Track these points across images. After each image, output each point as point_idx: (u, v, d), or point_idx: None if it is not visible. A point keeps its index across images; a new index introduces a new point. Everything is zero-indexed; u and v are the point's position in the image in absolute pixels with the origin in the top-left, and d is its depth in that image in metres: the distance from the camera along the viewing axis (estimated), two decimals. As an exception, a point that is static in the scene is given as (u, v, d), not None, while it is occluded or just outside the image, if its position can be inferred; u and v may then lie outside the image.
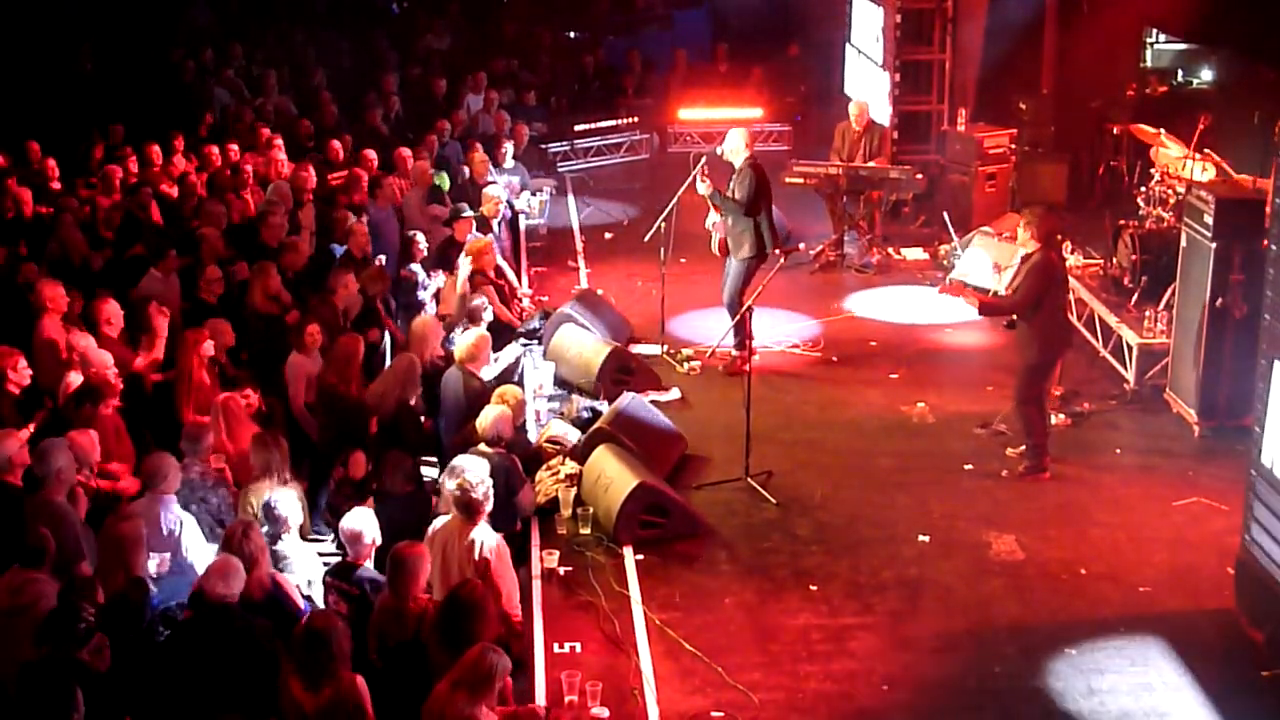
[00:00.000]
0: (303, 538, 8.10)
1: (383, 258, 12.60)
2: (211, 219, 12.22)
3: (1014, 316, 10.07)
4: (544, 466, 9.83)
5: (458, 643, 6.55)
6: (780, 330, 12.86)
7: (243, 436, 9.00)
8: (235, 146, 14.81)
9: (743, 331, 11.70)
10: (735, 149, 12.06)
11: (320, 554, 7.89)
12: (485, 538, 7.69)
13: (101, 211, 12.69)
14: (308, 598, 7.46)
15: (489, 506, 7.81)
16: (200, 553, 7.76)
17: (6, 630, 6.89)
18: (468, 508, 7.74)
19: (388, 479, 8.63)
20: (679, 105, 19.50)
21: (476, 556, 7.58)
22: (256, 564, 7.07)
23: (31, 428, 8.70)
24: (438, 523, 7.96)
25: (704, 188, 12.02)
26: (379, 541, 7.54)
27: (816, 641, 8.23)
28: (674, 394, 11.56)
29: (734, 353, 12.00)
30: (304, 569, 7.64)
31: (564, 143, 18.76)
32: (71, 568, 7.35)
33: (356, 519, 7.50)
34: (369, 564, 7.54)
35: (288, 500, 7.74)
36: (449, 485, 7.96)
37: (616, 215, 16.80)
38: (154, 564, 7.49)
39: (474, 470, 7.91)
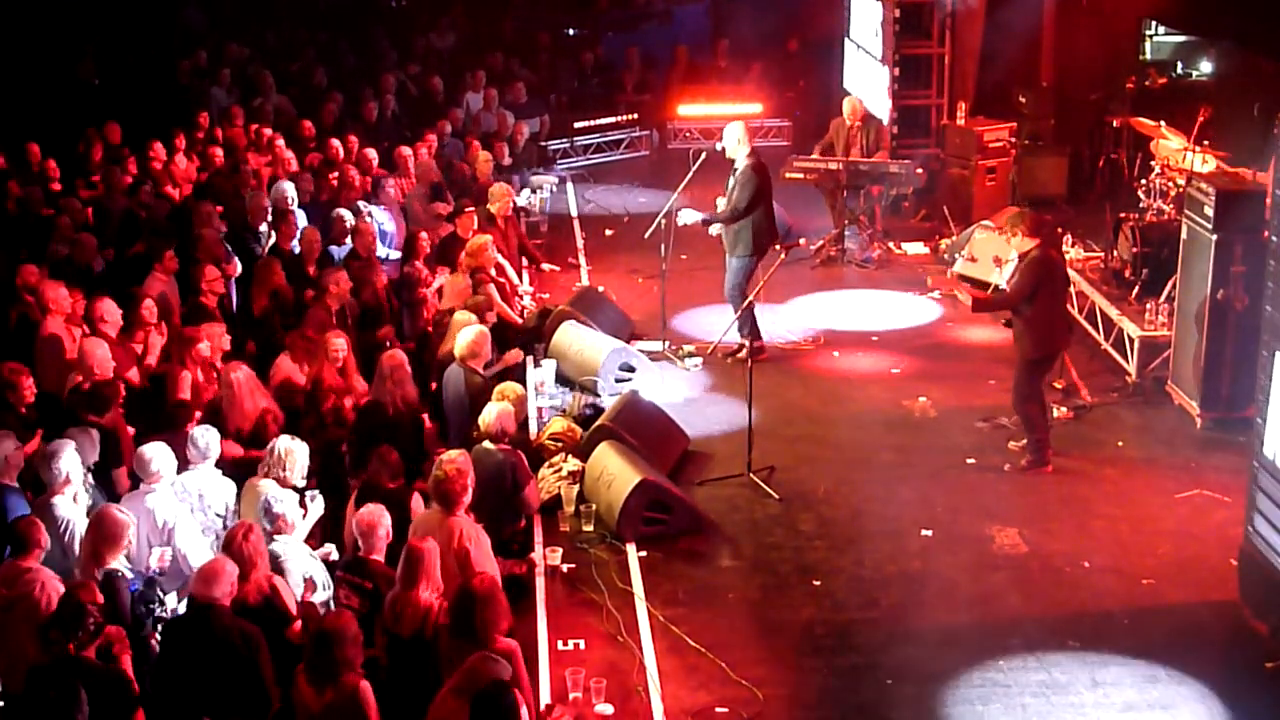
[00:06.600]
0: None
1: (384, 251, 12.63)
2: (202, 220, 12.22)
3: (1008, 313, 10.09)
4: (546, 464, 9.85)
5: (470, 633, 6.57)
6: (782, 325, 12.87)
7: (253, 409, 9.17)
8: (219, 150, 14.83)
9: (749, 326, 11.77)
10: (735, 143, 12.03)
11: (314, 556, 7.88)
12: (464, 527, 7.71)
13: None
14: (301, 602, 7.43)
15: (468, 497, 7.83)
16: (195, 547, 7.78)
17: (4, 623, 6.89)
18: (446, 498, 7.76)
19: (373, 472, 8.57)
20: (679, 101, 19.50)
21: (455, 545, 7.57)
22: (254, 566, 7.05)
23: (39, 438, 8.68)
24: (420, 515, 8.00)
25: (688, 219, 12.13)
26: (391, 536, 7.55)
27: (820, 636, 8.24)
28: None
29: (744, 342, 12.01)
30: (299, 568, 7.60)
31: (564, 140, 18.76)
32: (74, 571, 7.36)
33: (371, 513, 7.50)
34: (381, 558, 7.55)
35: (287, 501, 7.73)
36: (432, 480, 7.96)
37: (616, 210, 16.82)
38: (155, 558, 7.49)
39: (453, 462, 7.91)
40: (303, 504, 7.92)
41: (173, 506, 7.85)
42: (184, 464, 8.20)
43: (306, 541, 7.90)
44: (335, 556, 7.93)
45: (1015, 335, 10.16)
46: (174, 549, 7.70)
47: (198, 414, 9.00)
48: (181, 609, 7.24)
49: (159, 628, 7.08)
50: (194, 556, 7.67)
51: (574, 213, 16.84)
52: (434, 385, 10.45)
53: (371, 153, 15.01)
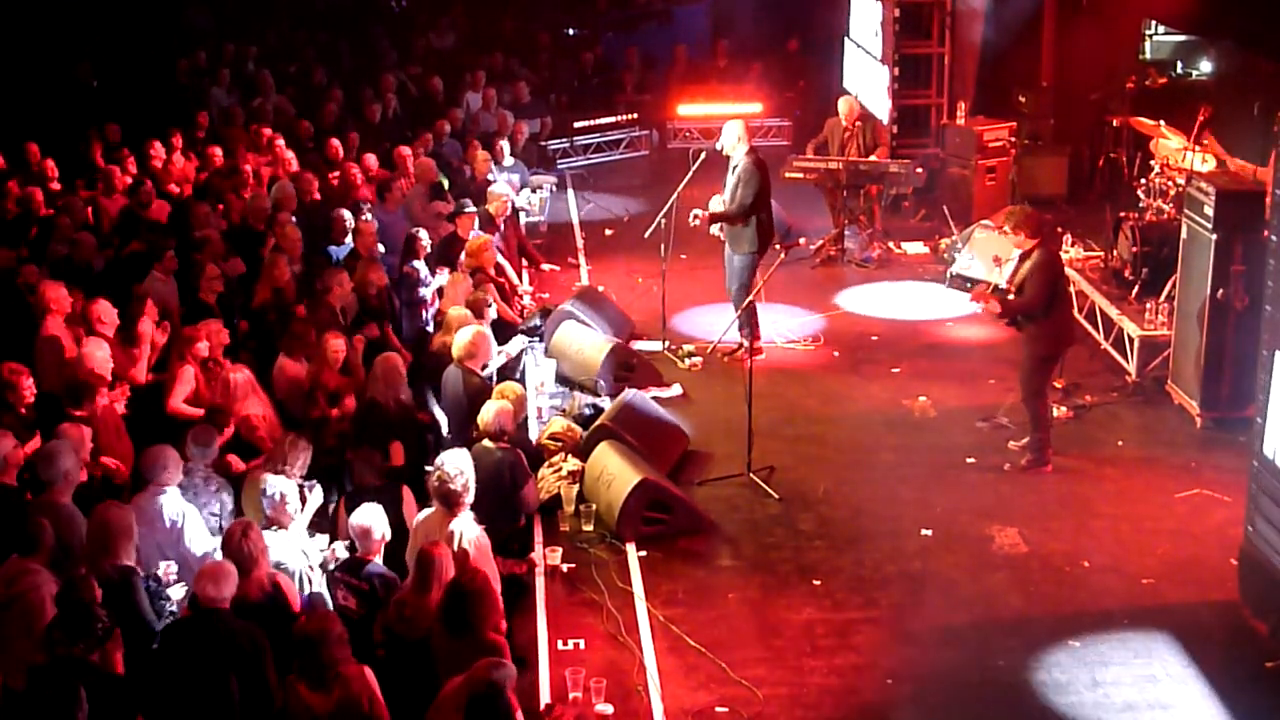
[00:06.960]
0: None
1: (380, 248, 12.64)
2: (204, 220, 12.21)
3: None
4: (546, 463, 9.84)
5: (462, 629, 6.58)
6: (781, 325, 12.87)
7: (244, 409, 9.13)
8: (219, 150, 14.82)
9: (750, 325, 11.74)
10: (734, 142, 12.00)
11: (305, 550, 7.87)
12: (465, 529, 7.70)
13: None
14: (312, 593, 7.44)
15: (469, 498, 7.83)
16: (204, 546, 7.77)
17: (1, 621, 6.89)
18: (447, 499, 7.76)
19: (358, 473, 8.56)
20: (678, 101, 19.49)
21: (455, 547, 7.57)
22: (256, 564, 7.02)
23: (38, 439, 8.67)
24: (421, 515, 8.00)
25: (697, 221, 12.06)
26: (388, 537, 7.55)
27: (820, 636, 8.24)
28: (675, 390, 11.57)
29: (745, 343, 11.96)
30: (280, 556, 7.52)
31: (564, 140, 18.76)
32: (74, 570, 7.35)
33: (367, 514, 7.49)
34: (378, 560, 7.54)
35: (286, 489, 7.72)
36: (432, 480, 7.97)
37: (617, 211, 16.82)
38: (163, 569, 7.49)
39: (453, 462, 7.90)
40: (302, 496, 7.93)
41: (179, 504, 7.85)
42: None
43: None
44: (342, 556, 7.91)
45: (1029, 335, 10.10)
46: (184, 548, 7.69)
47: (234, 420, 8.99)
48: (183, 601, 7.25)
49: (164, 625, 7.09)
50: (203, 553, 7.67)
51: (574, 213, 16.83)
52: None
53: (372, 159, 15.00)
